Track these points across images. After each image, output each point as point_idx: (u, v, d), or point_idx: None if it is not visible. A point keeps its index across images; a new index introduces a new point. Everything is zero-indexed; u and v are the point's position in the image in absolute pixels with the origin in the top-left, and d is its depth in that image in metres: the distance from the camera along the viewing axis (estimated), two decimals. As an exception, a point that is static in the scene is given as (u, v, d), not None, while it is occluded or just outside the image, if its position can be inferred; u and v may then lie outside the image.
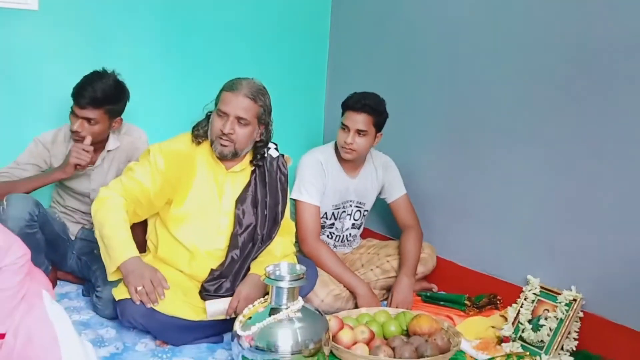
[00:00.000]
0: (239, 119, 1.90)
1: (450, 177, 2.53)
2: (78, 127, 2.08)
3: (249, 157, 2.04)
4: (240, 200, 2.00)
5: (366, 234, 2.77)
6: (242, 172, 2.03)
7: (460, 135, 2.47)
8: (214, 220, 1.99)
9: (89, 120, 2.08)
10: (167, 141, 1.99)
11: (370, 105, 2.27)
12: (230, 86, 1.93)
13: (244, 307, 1.80)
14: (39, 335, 1.46)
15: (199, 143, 1.98)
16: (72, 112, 2.10)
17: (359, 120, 2.27)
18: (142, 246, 1.92)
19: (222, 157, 1.96)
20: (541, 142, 2.15)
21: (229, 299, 1.88)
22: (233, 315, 1.84)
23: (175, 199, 1.96)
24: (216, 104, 1.95)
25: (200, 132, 1.98)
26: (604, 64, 1.94)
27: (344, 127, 2.31)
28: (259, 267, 1.94)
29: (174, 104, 2.71)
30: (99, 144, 2.21)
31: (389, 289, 2.38)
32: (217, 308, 1.86)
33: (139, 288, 1.77)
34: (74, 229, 2.32)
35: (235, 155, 1.96)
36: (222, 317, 1.87)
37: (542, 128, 2.14)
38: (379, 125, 2.33)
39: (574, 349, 2.00)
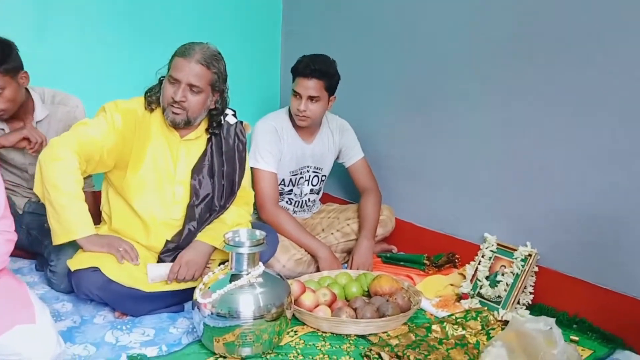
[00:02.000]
0: (191, 86, 1.82)
1: (408, 139, 2.53)
2: None
3: (204, 125, 1.97)
4: (196, 170, 1.94)
5: (326, 198, 2.76)
6: (197, 140, 1.96)
7: (417, 98, 2.46)
8: (169, 190, 1.93)
9: None
10: (122, 100, 1.90)
11: (320, 70, 2.22)
12: (183, 52, 1.83)
13: (185, 273, 1.79)
14: (14, 288, 1.45)
15: (152, 110, 1.91)
16: None
17: (310, 86, 2.22)
18: (93, 217, 1.85)
19: (174, 125, 1.89)
20: (496, 105, 2.16)
21: (171, 264, 1.86)
22: (174, 281, 1.83)
23: (130, 165, 1.88)
24: (168, 70, 1.86)
25: (153, 99, 1.90)
26: (554, 25, 1.94)
27: (296, 94, 2.26)
28: (205, 235, 1.91)
29: (127, 70, 2.59)
30: (23, 114, 2.08)
31: (349, 252, 2.39)
32: (158, 273, 1.83)
33: (120, 249, 1.78)
34: (20, 203, 2.22)
35: (189, 124, 1.89)
36: (164, 282, 1.84)
37: (496, 91, 2.15)
38: (331, 89, 2.28)
39: (530, 302, 2.05)
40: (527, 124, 2.07)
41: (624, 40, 1.78)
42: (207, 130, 1.97)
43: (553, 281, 2.03)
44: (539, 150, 2.04)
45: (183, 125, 1.89)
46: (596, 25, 1.84)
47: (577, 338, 1.83)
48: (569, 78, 1.92)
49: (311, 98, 2.23)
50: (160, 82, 1.90)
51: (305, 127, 2.34)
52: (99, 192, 2.03)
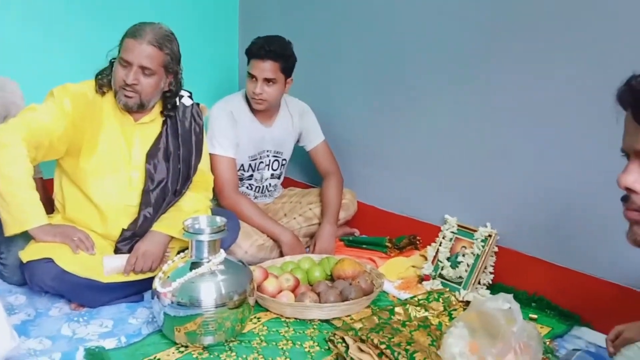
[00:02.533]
0: (143, 68, 1.76)
1: (369, 122, 2.51)
2: None
3: (159, 108, 1.91)
4: (151, 154, 1.88)
5: (287, 183, 2.73)
6: (152, 123, 1.90)
7: (378, 80, 2.44)
8: (125, 175, 1.87)
9: None
10: (71, 84, 1.81)
11: (275, 51, 2.17)
12: (134, 32, 1.76)
13: (142, 265, 1.75)
14: None
15: (103, 93, 1.83)
16: None
17: (266, 68, 2.17)
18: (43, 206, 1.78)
19: (127, 109, 1.83)
20: (456, 89, 2.16)
21: (127, 255, 1.81)
22: (132, 273, 1.80)
23: (83, 151, 1.81)
24: (119, 52, 1.79)
25: (104, 82, 1.83)
26: (515, 9, 1.94)
27: (251, 77, 2.21)
28: (161, 224, 1.87)
29: (78, 50, 2.47)
30: None
31: (312, 236, 2.38)
32: (114, 265, 1.78)
33: (75, 238, 1.72)
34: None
35: (142, 107, 1.83)
36: (121, 275, 1.79)
37: (457, 74, 2.15)
38: (287, 71, 2.24)
39: (491, 282, 2.08)
40: (487, 107, 2.07)
41: (586, 26, 1.78)
42: (162, 113, 1.91)
43: (513, 261, 2.06)
44: (498, 133, 2.06)
45: (136, 109, 1.83)
46: (557, 10, 1.85)
47: (535, 316, 1.87)
48: (528, 62, 1.93)
49: (267, 80, 2.19)
50: (112, 64, 1.83)
51: (263, 111, 2.30)
52: (48, 180, 1.95)
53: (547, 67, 1.89)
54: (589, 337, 1.79)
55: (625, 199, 0.79)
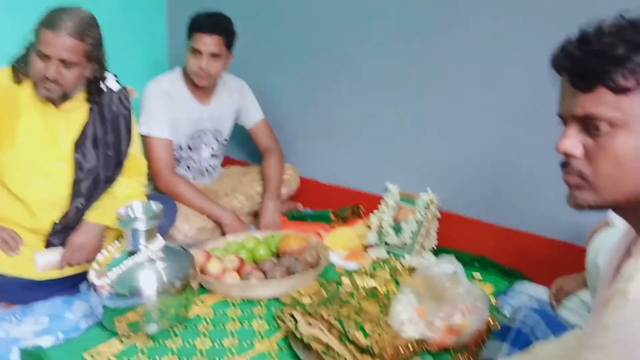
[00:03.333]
0: (63, 61, 1.61)
1: (306, 96, 2.46)
2: None
3: (83, 94, 1.77)
4: (79, 143, 1.76)
5: (227, 162, 2.66)
6: (77, 111, 1.76)
7: (312, 53, 2.39)
8: (51, 166, 1.74)
9: None
10: None
11: (222, 26, 2.11)
12: (50, 22, 1.59)
13: (78, 258, 1.67)
14: None
15: (20, 81, 1.68)
16: None
17: (212, 42, 2.09)
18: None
19: (48, 100, 1.69)
20: (392, 56, 2.14)
21: (60, 249, 1.72)
22: (67, 268, 1.71)
23: (1, 144, 1.68)
24: (35, 40, 1.62)
25: (21, 70, 1.67)
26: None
27: (195, 51, 2.11)
28: (94, 213, 1.78)
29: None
30: None
31: (256, 215, 2.33)
32: (47, 260, 1.69)
33: None
34: None
35: (65, 98, 1.70)
36: (56, 270, 1.71)
37: (392, 41, 2.12)
38: (230, 46, 2.17)
39: (435, 247, 2.10)
40: (422, 73, 2.07)
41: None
42: (87, 99, 1.79)
43: (455, 225, 2.08)
44: (433, 98, 2.06)
45: (59, 100, 1.70)
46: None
47: (479, 275, 1.90)
48: (462, 28, 1.93)
49: (213, 55, 2.11)
50: (28, 50, 1.68)
51: (201, 88, 2.22)
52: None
53: (480, 32, 1.90)
54: (531, 291, 1.84)
55: (564, 165, 0.78)
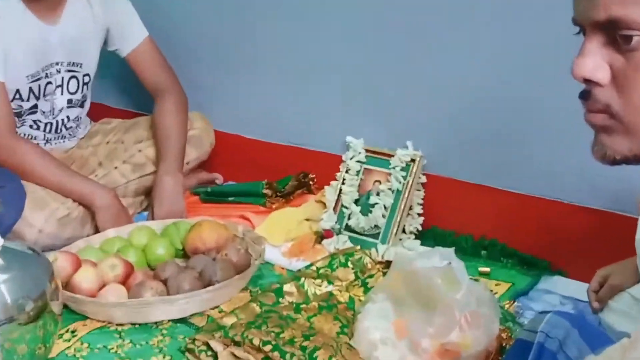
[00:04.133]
0: None
1: (224, 9, 2.47)
2: None
3: None
4: None
5: (98, 112, 2.64)
6: None
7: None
8: None
9: None
10: None
11: None
12: None
13: None
14: None
15: None
16: None
17: None
18: None
19: None
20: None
21: None
22: None
23: None
24: None
25: None
26: None
27: None
28: None
29: None
30: None
31: (149, 193, 2.35)
32: None
33: None
34: None
35: None
36: None
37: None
38: None
39: (420, 228, 2.14)
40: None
41: None
42: None
43: (448, 194, 2.13)
44: (413, 24, 2.09)
45: None
46: None
47: (488, 269, 1.96)
48: None
49: None
50: None
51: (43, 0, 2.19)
52: None
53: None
54: (563, 290, 1.89)
55: (584, 96, 0.79)
